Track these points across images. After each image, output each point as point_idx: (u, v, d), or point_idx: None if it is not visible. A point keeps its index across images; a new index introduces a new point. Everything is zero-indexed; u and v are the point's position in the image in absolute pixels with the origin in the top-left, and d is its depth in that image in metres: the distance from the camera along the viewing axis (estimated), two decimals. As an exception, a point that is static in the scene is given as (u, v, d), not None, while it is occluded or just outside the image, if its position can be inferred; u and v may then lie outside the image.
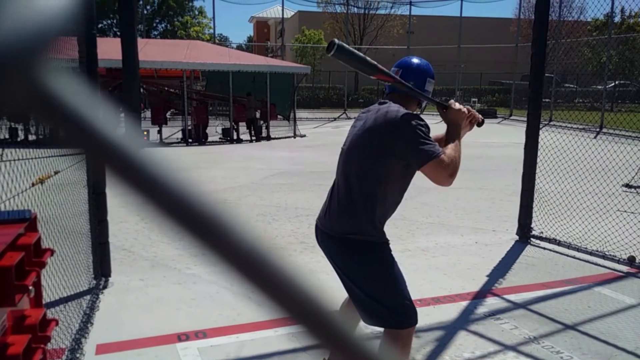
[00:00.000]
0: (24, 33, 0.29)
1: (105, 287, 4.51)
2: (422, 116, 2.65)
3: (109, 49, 13.02)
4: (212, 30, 34.93)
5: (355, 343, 0.44)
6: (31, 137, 13.23)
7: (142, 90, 16.90)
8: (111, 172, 0.35)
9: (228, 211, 0.37)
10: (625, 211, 6.15)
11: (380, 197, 2.62)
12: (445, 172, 2.51)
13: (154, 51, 16.64)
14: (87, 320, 3.80)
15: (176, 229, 0.36)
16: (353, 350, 0.43)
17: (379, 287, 2.64)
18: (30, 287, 1.71)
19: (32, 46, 0.30)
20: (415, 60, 2.85)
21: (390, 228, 2.73)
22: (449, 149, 2.57)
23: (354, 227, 2.63)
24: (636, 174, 8.43)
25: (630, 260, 5.14)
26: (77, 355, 3.31)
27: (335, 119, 25.67)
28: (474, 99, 31.42)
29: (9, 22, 0.29)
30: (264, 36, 60.85)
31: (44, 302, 2.21)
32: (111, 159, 0.35)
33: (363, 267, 2.65)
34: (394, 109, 2.63)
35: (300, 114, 22.02)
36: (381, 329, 2.74)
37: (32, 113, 0.32)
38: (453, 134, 2.68)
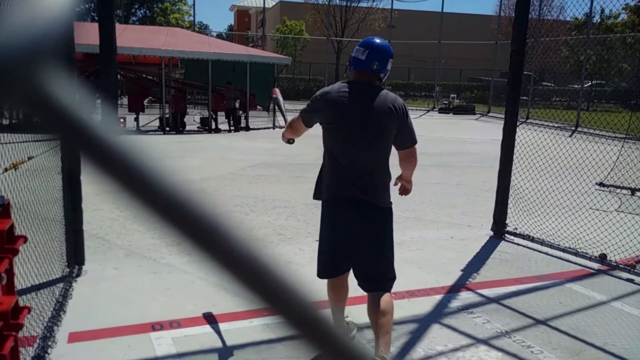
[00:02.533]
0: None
1: (78, 275, 4.45)
2: None
3: (86, 34, 12.82)
4: (192, 18, 34.55)
5: (335, 334, 0.44)
6: (4, 122, 12.97)
7: (119, 76, 16.66)
8: (87, 159, 0.34)
9: (206, 200, 0.37)
10: (597, 209, 6.27)
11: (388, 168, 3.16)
12: (415, 154, 3.22)
13: (133, 37, 16.40)
14: (59, 308, 3.75)
15: (152, 217, 0.36)
16: (331, 341, 0.43)
17: (390, 247, 3.18)
18: (2, 275, 1.68)
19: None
20: (378, 40, 3.21)
21: (368, 221, 2.74)
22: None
23: (383, 194, 3.11)
24: (609, 172, 8.59)
25: (602, 258, 5.24)
26: (49, 343, 3.26)
27: (314, 111, 25.53)
28: (453, 95, 31.61)
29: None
30: (244, 25, 60.38)
31: (16, 289, 2.17)
32: (87, 146, 0.34)
33: (384, 228, 3.14)
34: (392, 94, 3.15)
35: (280, 105, 21.94)
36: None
37: (6, 100, 0.31)
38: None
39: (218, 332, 3.62)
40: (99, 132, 0.34)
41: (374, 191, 3.08)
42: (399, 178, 3.38)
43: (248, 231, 0.39)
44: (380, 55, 3.14)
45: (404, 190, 3.44)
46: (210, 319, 3.81)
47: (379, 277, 3.12)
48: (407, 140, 3.13)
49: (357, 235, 3.09)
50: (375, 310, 3.00)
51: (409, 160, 3.21)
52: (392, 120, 3.03)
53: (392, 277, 3.16)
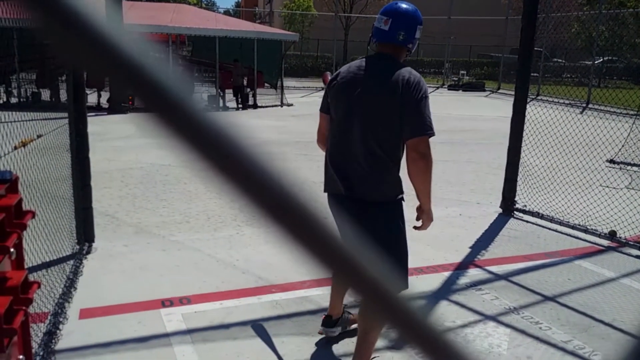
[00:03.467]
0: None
1: (88, 252, 4.49)
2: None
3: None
4: (199, -5, 34.27)
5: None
6: (13, 100, 13.00)
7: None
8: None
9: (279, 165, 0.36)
10: (608, 186, 6.22)
11: (399, 155, 2.71)
12: (424, 148, 2.56)
13: (139, 15, 16.30)
14: (70, 285, 3.79)
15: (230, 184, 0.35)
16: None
17: (396, 245, 2.76)
18: (12, 249, 1.69)
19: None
20: (404, 6, 2.77)
21: (376, 198, 2.73)
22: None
23: (386, 187, 2.71)
24: (620, 149, 8.51)
25: (611, 235, 5.21)
26: (60, 319, 3.30)
27: (322, 89, 25.44)
28: (462, 72, 31.29)
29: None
30: (252, 2, 59.83)
31: (26, 267, 2.19)
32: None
33: (389, 225, 2.76)
34: (404, 68, 2.65)
35: (288, 82, 21.82)
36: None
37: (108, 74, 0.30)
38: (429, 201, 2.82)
39: (227, 308, 3.65)
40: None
41: (368, 185, 2.68)
42: (418, 208, 2.84)
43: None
44: (407, 23, 2.70)
45: (421, 226, 2.84)
46: (219, 295, 3.84)
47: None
48: (411, 128, 2.55)
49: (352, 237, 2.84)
50: (362, 317, 2.83)
51: (415, 162, 2.56)
52: (392, 100, 2.57)
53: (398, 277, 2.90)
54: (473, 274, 4.43)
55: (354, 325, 3.33)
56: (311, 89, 23.01)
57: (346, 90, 2.74)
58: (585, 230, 5.38)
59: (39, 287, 1.92)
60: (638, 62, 21.73)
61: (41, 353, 2.89)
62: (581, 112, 11.74)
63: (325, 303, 3.42)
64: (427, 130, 2.54)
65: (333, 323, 3.27)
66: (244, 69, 16.82)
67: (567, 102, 13.03)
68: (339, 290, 3.23)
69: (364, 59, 2.78)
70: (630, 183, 7.29)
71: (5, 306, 1.59)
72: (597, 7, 20.40)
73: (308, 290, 3.90)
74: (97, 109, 14.44)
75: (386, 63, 2.69)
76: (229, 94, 16.78)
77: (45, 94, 7.75)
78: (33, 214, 1.95)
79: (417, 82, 2.59)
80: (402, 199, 2.79)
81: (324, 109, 2.89)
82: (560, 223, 5.61)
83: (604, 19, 20.14)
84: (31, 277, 2.30)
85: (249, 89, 17.23)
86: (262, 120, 14.08)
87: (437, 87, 28.82)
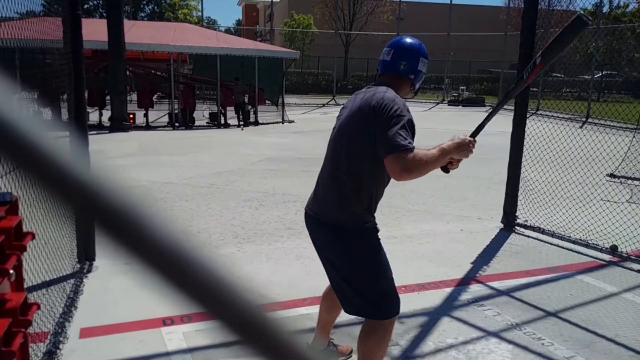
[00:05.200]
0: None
1: (89, 271, 4.48)
2: (410, 102, 2.65)
3: (94, 30, 12.87)
4: (200, 13, 34.59)
5: (284, 338, 0.42)
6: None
7: (128, 72, 16.70)
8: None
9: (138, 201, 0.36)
10: (608, 200, 6.22)
11: (368, 180, 2.60)
12: (400, 165, 2.38)
13: (141, 33, 16.44)
14: (70, 304, 3.78)
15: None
16: (276, 345, 0.42)
17: (361, 275, 2.62)
18: (11, 271, 1.70)
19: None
20: (407, 39, 2.81)
21: (377, 215, 2.73)
22: (422, 151, 2.47)
23: (343, 211, 2.61)
24: (620, 163, 8.51)
25: (613, 249, 5.20)
26: (61, 338, 3.29)
27: (324, 105, 25.56)
28: (462, 87, 31.46)
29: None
30: (252, 20, 60.36)
31: (26, 286, 2.19)
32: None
33: (348, 252, 2.64)
34: (382, 90, 2.59)
35: (289, 99, 21.93)
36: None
37: None
38: (443, 147, 2.60)
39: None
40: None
41: (331, 206, 2.65)
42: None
43: (186, 234, 0.38)
44: (409, 53, 2.74)
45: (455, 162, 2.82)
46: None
47: (356, 306, 2.70)
48: (384, 147, 2.42)
49: (325, 259, 2.76)
50: (359, 339, 2.74)
51: (401, 178, 2.44)
52: (364, 121, 2.54)
53: (369, 307, 2.65)
54: (475, 289, 4.42)
55: (342, 358, 3.27)
56: (312, 106, 23.13)
57: (339, 114, 2.80)
58: (587, 245, 5.37)
59: (38, 308, 1.92)
60: (636, 76, 21.81)
61: (41, 373, 2.87)
62: (581, 127, 11.78)
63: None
64: (399, 148, 2.38)
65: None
66: (245, 86, 16.92)
67: (566, 116, 13.07)
68: (323, 316, 3.17)
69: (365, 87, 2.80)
70: (631, 197, 7.29)
71: (4, 328, 1.59)
72: (595, 21, 20.54)
73: (309, 308, 3.89)
74: (99, 127, 14.52)
75: (376, 89, 2.64)
76: (230, 111, 16.86)
77: (47, 114, 7.78)
78: (33, 236, 1.95)
79: (391, 100, 2.50)
80: (366, 228, 2.66)
81: None
82: (562, 238, 5.60)
83: (602, 33, 20.27)
84: (31, 297, 2.30)
85: (250, 106, 17.31)
86: (264, 137, 14.12)
87: (437, 103, 28.92)
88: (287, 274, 4.58)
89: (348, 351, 3.29)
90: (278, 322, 0.41)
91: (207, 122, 16.68)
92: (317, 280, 3.60)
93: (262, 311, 0.40)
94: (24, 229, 1.95)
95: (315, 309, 3.85)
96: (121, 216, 0.35)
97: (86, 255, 4.55)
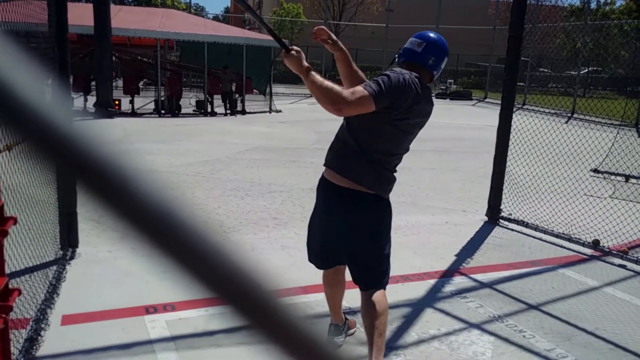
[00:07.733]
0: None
1: (72, 257, 4.44)
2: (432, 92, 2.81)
3: (80, 15, 12.68)
4: (188, 0, 34.21)
5: (296, 326, 0.42)
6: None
7: (114, 58, 16.50)
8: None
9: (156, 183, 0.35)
10: (591, 195, 6.28)
11: (380, 152, 2.78)
12: (350, 98, 2.56)
13: (128, 19, 16.24)
14: (52, 290, 3.75)
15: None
16: (290, 333, 0.42)
17: (387, 246, 2.91)
18: (-8, 256, 1.67)
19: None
20: (440, 37, 2.98)
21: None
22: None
23: (371, 182, 2.78)
24: (604, 159, 8.59)
25: (595, 244, 5.26)
26: (42, 325, 3.26)
27: (311, 96, 25.39)
28: (450, 80, 31.50)
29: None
30: (241, 8, 59.82)
31: (8, 272, 2.17)
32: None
33: (380, 223, 2.89)
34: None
35: (277, 88, 21.81)
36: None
37: None
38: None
39: (212, 315, 3.63)
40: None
41: (353, 167, 2.79)
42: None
43: (200, 217, 0.38)
44: (439, 50, 2.90)
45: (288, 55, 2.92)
46: (204, 302, 3.81)
47: (370, 274, 2.89)
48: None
49: (346, 228, 2.85)
50: (367, 312, 2.81)
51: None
52: None
53: (385, 273, 2.91)
54: (458, 281, 4.45)
55: (352, 330, 3.43)
56: (300, 96, 23.02)
57: None
58: (569, 239, 5.42)
59: (19, 294, 1.90)
60: (622, 73, 22.00)
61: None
62: (566, 122, 11.86)
63: (309, 310, 3.40)
64: (367, 85, 2.58)
65: (340, 331, 3.31)
66: (233, 75, 16.80)
67: (552, 111, 13.15)
68: (334, 299, 3.25)
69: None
70: (614, 193, 7.37)
71: (-16, 313, 1.57)
72: (582, 18, 20.65)
73: (294, 298, 3.88)
74: (84, 113, 14.35)
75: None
76: (217, 100, 16.75)
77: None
78: (15, 220, 1.92)
79: (388, 69, 2.72)
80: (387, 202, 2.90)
81: None
82: (545, 232, 5.65)
83: (589, 30, 20.39)
84: (13, 283, 2.27)
85: (237, 95, 17.21)
86: (251, 126, 14.06)
87: (425, 95, 28.89)
88: (272, 264, 4.58)
89: (354, 324, 3.47)
90: (289, 307, 0.41)
91: (194, 110, 16.56)
92: (302, 270, 3.60)
93: (275, 296, 0.40)
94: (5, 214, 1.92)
95: (300, 299, 3.86)
96: (106, 171, 0.34)
97: (69, 242, 4.51)
